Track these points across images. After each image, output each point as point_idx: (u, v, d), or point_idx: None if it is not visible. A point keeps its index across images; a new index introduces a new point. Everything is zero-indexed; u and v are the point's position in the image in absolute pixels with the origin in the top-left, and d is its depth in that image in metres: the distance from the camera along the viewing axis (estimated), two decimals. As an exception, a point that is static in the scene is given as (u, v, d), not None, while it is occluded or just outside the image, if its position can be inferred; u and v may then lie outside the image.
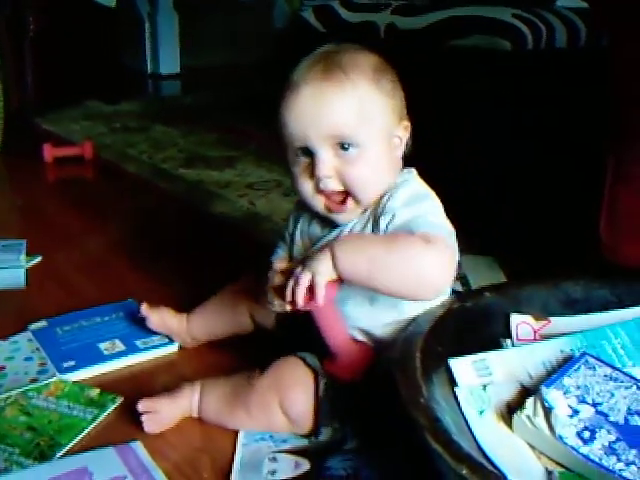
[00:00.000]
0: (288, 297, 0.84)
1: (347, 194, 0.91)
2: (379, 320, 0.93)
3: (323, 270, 0.83)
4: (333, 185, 0.90)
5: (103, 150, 2.43)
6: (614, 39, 1.07)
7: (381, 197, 0.91)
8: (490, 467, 0.73)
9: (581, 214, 1.19)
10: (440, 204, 0.93)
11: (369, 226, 0.91)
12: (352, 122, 0.87)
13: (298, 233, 1.02)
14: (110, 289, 1.36)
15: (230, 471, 0.87)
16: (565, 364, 0.87)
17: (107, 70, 3.28)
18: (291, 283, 0.84)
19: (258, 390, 0.92)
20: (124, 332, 1.19)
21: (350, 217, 0.93)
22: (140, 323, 1.17)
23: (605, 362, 0.87)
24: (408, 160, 1.00)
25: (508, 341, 0.95)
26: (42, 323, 1.22)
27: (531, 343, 0.94)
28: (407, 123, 0.95)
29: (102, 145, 2.49)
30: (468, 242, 0.99)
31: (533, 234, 1.49)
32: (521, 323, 0.97)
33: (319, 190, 0.91)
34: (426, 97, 1.69)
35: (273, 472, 0.87)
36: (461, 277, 1.36)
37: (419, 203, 0.90)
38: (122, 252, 1.55)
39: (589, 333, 0.93)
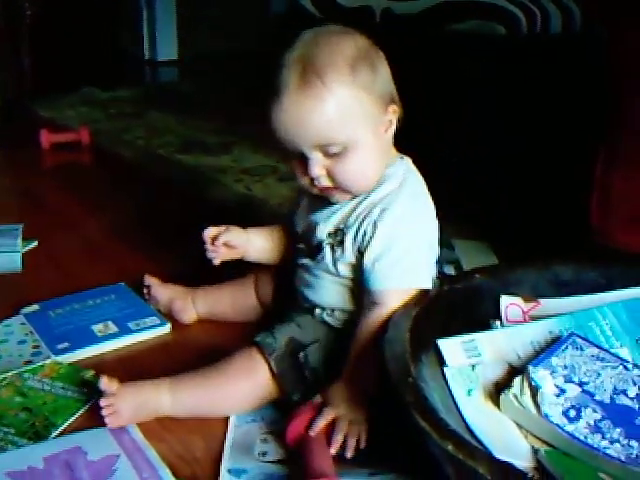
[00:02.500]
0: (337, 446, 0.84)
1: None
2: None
3: (363, 416, 0.87)
4: (325, 182, 0.94)
5: (99, 136, 2.43)
6: (610, 30, 1.07)
7: (374, 190, 0.95)
8: (476, 444, 0.74)
9: (577, 201, 1.20)
10: (433, 209, 0.97)
11: (354, 226, 0.96)
12: (334, 128, 0.89)
13: (302, 207, 1.08)
14: (106, 274, 1.36)
15: (222, 452, 0.88)
16: (553, 344, 0.88)
17: (104, 56, 3.26)
18: (339, 437, 0.85)
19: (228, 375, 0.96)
20: (116, 314, 1.20)
21: (343, 198, 0.97)
22: (132, 306, 1.19)
23: (592, 342, 0.88)
24: (404, 147, 1.01)
25: (497, 322, 0.96)
26: (34, 307, 1.23)
27: (520, 324, 0.95)
28: (395, 107, 0.94)
29: (98, 131, 2.48)
30: (463, 228, 1.00)
31: (528, 221, 1.50)
32: (511, 304, 0.97)
33: (314, 184, 0.96)
34: (421, 82, 1.69)
35: (264, 453, 0.89)
36: (454, 261, 1.37)
37: (400, 234, 0.93)
38: (118, 237, 1.56)
39: (578, 314, 0.93)
